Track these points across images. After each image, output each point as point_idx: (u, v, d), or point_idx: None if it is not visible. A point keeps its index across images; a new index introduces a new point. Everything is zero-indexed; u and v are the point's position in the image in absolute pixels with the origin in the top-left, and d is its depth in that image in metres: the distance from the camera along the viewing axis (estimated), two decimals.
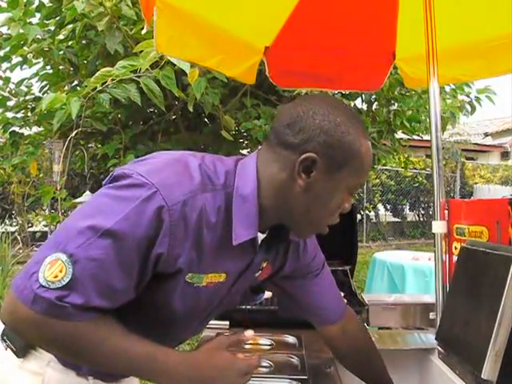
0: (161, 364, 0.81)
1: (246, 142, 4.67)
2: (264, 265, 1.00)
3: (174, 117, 4.03)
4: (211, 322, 1.57)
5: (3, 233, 4.79)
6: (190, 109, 2.73)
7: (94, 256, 0.74)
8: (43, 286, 0.73)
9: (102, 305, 0.76)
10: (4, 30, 2.97)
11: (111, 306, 0.78)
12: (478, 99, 3.82)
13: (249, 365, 0.87)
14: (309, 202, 0.85)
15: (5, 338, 0.92)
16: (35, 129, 3.35)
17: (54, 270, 0.73)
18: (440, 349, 1.29)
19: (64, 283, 0.73)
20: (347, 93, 4.27)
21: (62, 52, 3.03)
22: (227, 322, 1.53)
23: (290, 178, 0.84)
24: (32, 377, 0.92)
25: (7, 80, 3.24)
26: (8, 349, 0.93)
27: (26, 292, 0.74)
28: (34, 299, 0.73)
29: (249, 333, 0.89)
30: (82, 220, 0.77)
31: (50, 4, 2.99)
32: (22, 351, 0.91)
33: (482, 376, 0.96)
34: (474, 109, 3.88)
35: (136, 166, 0.82)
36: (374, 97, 4.21)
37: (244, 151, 4.04)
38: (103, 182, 0.86)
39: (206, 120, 4.26)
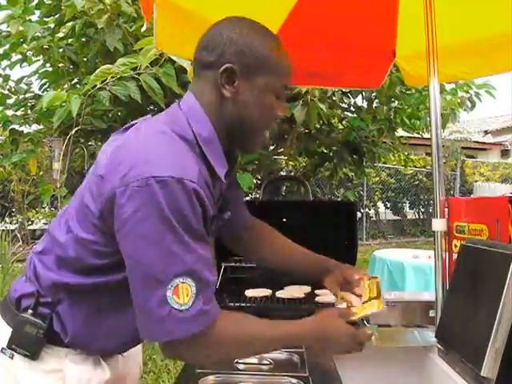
0: (297, 336, 0.97)
1: None
2: None
3: None
4: None
5: (3, 231, 4.78)
6: None
7: (192, 256, 0.82)
8: (188, 309, 0.81)
9: (214, 279, 0.88)
10: (3, 27, 2.97)
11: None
12: (477, 94, 3.82)
13: (364, 335, 1.00)
14: (242, 111, 0.93)
15: (13, 346, 0.93)
16: (35, 126, 3.34)
17: (182, 294, 0.81)
18: (440, 346, 1.29)
19: (195, 293, 0.82)
20: (348, 90, 4.27)
21: (61, 50, 3.03)
22: None
23: (219, 96, 0.92)
24: (48, 376, 0.94)
25: (7, 78, 3.23)
26: (16, 357, 0.93)
27: (180, 326, 0.81)
28: (190, 323, 0.82)
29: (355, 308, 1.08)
30: (160, 246, 0.81)
31: (50, 1, 2.99)
32: (36, 353, 0.93)
33: (482, 373, 0.96)
34: (474, 104, 3.87)
35: (137, 169, 0.82)
36: (374, 94, 4.20)
37: None
38: (112, 201, 0.84)
39: None
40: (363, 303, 1.11)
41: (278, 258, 1.28)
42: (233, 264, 2.01)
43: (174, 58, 2.14)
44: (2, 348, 0.94)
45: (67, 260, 0.94)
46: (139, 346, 1.20)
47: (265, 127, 0.98)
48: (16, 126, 3.22)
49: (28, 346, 0.93)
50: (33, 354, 0.93)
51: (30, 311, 0.94)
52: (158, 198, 0.80)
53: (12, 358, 0.93)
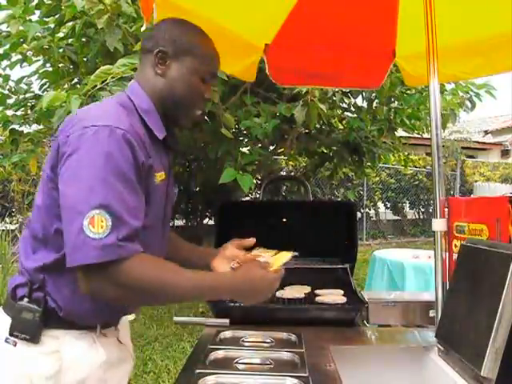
0: (215, 287, 1.05)
1: (245, 140, 4.67)
2: None
3: None
4: (212, 320, 1.58)
5: (3, 231, 4.79)
6: None
7: (112, 194, 0.92)
8: (101, 238, 0.90)
9: (138, 225, 0.96)
10: (4, 27, 2.97)
11: (141, 225, 0.97)
12: (477, 94, 3.82)
13: (277, 276, 1.12)
14: (171, 86, 1.10)
15: (15, 333, 1.02)
16: (35, 126, 3.35)
17: (97, 225, 0.90)
18: (440, 346, 1.29)
19: (110, 226, 0.90)
20: (348, 90, 4.27)
21: (61, 50, 3.03)
22: (227, 320, 1.53)
23: (154, 73, 1.11)
24: (48, 357, 1.02)
25: (7, 78, 3.24)
26: (18, 344, 1.02)
27: (93, 252, 0.89)
28: (102, 251, 0.89)
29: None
30: (84, 181, 0.92)
31: (50, 1, 2.99)
32: (36, 336, 1.01)
33: (482, 373, 0.96)
34: (474, 105, 3.88)
35: (79, 123, 0.98)
36: (374, 95, 4.20)
37: (244, 149, 4.03)
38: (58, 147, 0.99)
39: (205, 118, 4.25)
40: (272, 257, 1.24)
41: (179, 253, 1.38)
42: None
43: None
44: (6, 338, 1.02)
45: (37, 237, 1.04)
46: (129, 337, 1.28)
47: (191, 104, 1.13)
48: (16, 126, 3.22)
49: (27, 330, 1.01)
50: (33, 338, 1.01)
51: (25, 299, 1.03)
52: (89, 142, 0.94)
53: (15, 345, 1.02)
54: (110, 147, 0.94)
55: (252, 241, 1.31)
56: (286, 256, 1.22)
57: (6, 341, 1.02)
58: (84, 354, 1.05)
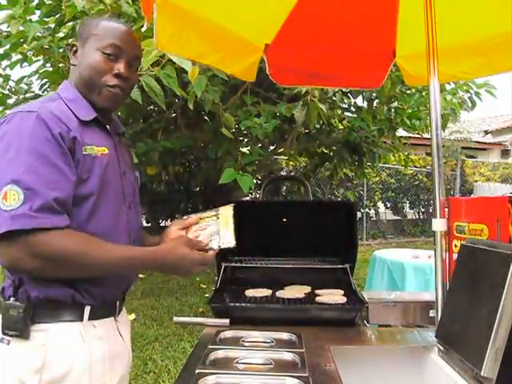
0: (138, 261, 1.14)
1: (245, 140, 4.67)
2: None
3: (173, 114, 4.02)
4: (212, 320, 1.58)
5: None
6: (191, 106, 2.73)
7: (23, 169, 0.99)
8: (13, 209, 0.96)
9: (57, 195, 1.01)
10: (4, 27, 2.97)
11: (65, 196, 1.03)
12: (477, 94, 3.82)
13: (203, 258, 1.20)
14: (81, 68, 1.21)
15: (6, 330, 1.05)
16: None
17: (9, 198, 0.97)
18: (440, 346, 1.29)
19: (22, 199, 0.97)
20: (348, 90, 4.27)
21: (61, 50, 3.03)
22: (227, 320, 1.53)
23: (73, 67, 1.24)
24: (36, 350, 1.05)
25: (7, 78, 3.24)
26: (11, 342, 1.05)
27: (4, 223, 0.95)
28: (13, 220, 0.95)
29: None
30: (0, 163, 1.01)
31: (50, 1, 2.99)
32: (24, 331, 1.05)
33: (482, 373, 0.96)
34: (474, 104, 3.88)
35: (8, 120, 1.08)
36: (374, 95, 4.20)
37: (244, 149, 4.03)
38: None
39: (206, 118, 4.26)
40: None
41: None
42: (233, 264, 2.01)
43: (173, 58, 2.14)
44: (2, 338, 1.07)
45: None
46: (128, 335, 1.29)
47: (97, 78, 1.19)
48: None
49: (15, 326, 1.05)
50: (21, 333, 1.04)
51: (12, 298, 1.08)
52: (3, 129, 1.04)
53: (9, 344, 1.06)
54: (21, 129, 1.03)
55: (194, 219, 1.33)
56: (229, 213, 1.28)
57: (1, 341, 1.07)
58: (69, 346, 1.08)
